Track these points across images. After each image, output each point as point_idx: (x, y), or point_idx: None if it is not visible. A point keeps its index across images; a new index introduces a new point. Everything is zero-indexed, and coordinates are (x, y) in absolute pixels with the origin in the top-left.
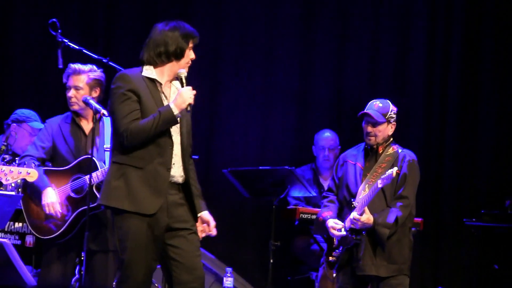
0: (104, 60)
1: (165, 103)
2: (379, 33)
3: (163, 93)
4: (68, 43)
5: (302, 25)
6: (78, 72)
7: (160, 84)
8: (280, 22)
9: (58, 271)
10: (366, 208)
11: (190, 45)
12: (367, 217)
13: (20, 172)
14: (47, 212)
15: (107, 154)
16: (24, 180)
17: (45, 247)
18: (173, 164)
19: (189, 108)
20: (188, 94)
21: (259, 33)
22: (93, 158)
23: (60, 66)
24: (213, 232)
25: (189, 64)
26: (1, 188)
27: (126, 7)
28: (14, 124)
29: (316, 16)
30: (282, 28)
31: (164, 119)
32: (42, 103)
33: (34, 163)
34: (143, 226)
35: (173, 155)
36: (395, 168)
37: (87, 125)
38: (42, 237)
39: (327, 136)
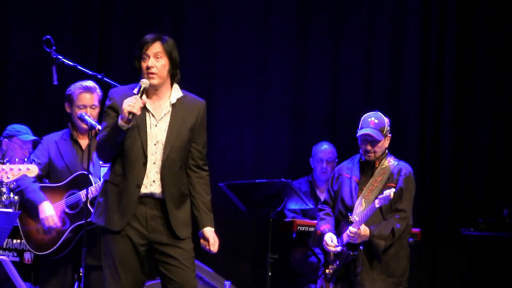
0: (98, 76)
1: (148, 119)
2: (372, 45)
3: (147, 109)
4: (63, 59)
5: (295, 38)
6: (92, 91)
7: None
8: (274, 36)
9: (56, 287)
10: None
11: (143, 54)
12: (364, 229)
13: (20, 169)
14: (46, 225)
15: (103, 170)
16: (20, 196)
17: (43, 263)
18: (153, 181)
19: (130, 117)
20: (126, 103)
21: (253, 47)
22: (88, 173)
23: (55, 83)
24: (212, 249)
25: (149, 73)
26: None
27: (119, 22)
28: (6, 139)
29: (310, 29)
30: (276, 41)
31: (112, 127)
32: (38, 119)
33: (32, 179)
34: (119, 240)
35: (150, 172)
36: (392, 190)
37: (85, 142)
38: (38, 253)
39: (325, 148)
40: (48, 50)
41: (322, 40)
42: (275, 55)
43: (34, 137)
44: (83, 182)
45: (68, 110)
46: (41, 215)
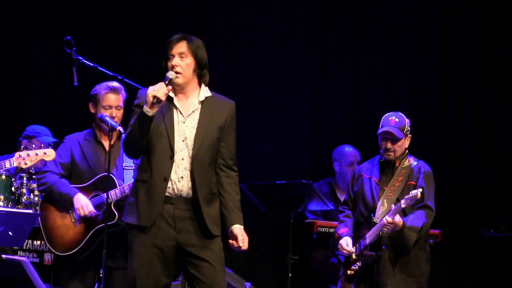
0: (119, 77)
1: (176, 115)
2: (393, 46)
3: (175, 106)
4: (83, 60)
5: (316, 38)
6: (118, 91)
7: (172, 98)
8: (295, 37)
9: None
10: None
11: (169, 54)
12: (399, 219)
13: (37, 154)
14: (82, 214)
15: (127, 172)
16: (48, 192)
17: (64, 265)
18: (181, 177)
19: (154, 100)
20: (151, 88)
21: (274, 49)
22: (112, 175)
23: (76, 84)
24: (242, 246)
25: (175, 70)
26: (19, 206)
27: (139, 24)
28: (25, 140)
29: (330, 31)
30: (297, 42)
31: (138, 116)
32: (58, 120)
33: (59, 176)
34: (146, 241)
35: (179, 168)
36: (420, 190)
37: (108, 143)
38: (60, 254)
39: (351, 151)
40: (68, 51)
41: (342, 42)
42: (296, 57)
43: (54, 139)
44: (107, 183)
45: (92, 110)
46: (77, 205)
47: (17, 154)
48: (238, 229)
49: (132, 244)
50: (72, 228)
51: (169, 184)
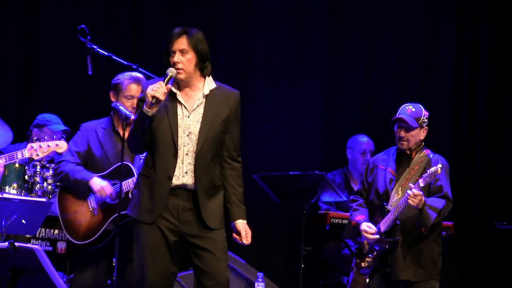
0: (133, 66)
1: (180, 110)
2: (407, 36)
3: (179, 101)
4: (98, 49)
5: (330, 29)
6: (141, 82)
7: (175, 93)
8: (308, 28)
9: (91, 277)
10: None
11: (170, 50)
12: (421, 193)
13: (49, 145)
14: (103, 196)
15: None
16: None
17: (79, 253)
18: (185, 172)
19: (153, 101)
20: (150, 88)
21: (287, 40)
22: (129, 164)
23: (90, 73)
24: (245, 242)
25: (175, 68)
26: (32, 194)
27: (154, 12)
28: (36, 129)
29: (344, 22)
30: (310, 34)
31: (139, 114)
32: (70, 108)
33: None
34: (150, 230)
35: (183, 163)
36: (439, 165)
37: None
38: (78, 242)
39: (366, 140)
40: (83, 39)
41: (356, 33)
42: (309, 47)
43: (65, 127)
44: (125, 172)
45: (113, 99)
46: (95, 188)
47: (29, 145)
48: (241, 225)
49: (138, 234)
50: (90, 216)
51: (173, 180)
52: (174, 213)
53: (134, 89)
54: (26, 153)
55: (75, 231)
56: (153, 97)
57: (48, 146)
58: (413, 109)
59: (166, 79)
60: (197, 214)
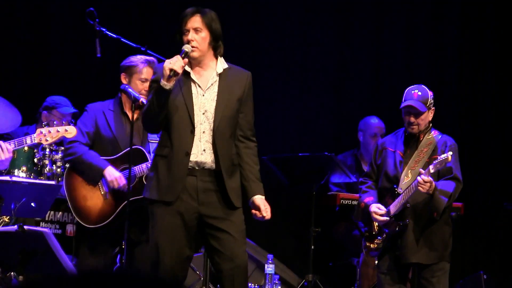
0: (142, 49)
1: (194, 89)
2: (414, 16)
3: (193, 80)
4: (106, 31)
5: (339, 11)
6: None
7: (189, 72)
8: (317, 8)
9: (97, 260)
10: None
11: (184, 29)
12: (431, 180)
13: (59, 131)
14: (116, 187)
15: (152, 145)
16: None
17: (88, 235)
18: (203, 150)
19: (171, 73)
20: (167, 61)
21: (295, 20)
22: (142, 149)
23: (99, 55)
24: (266, 216)
25: (190, 45)
26: (41, 177)
27: None
28: (45, 111)
29: (353, 4)
30: (319, 13)
31: (156, 90)
32: (79, 91)
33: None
34: (169, 213)
35: (200, 141)
36: (450, 153)
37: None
38: (89, 226)
39: (377, 122)
40: (91, 22)
41: (364, 13)
42: (318, 28)
43: (74, 110)
44: (138, 157)
45: (124, 81)
46: (109, 177)
47: (38, 130)
48: (260, 200)
49: (155, 216)
50: (102, 200)
51: (192, 157)
52: (193, 194)
53: (149, 72)
54: (35, 138)
55: (87, 215)
56: (171, 69)
57: (57, 131)
58: (419, 93)
59: (183, 54)
60: (217, 194)
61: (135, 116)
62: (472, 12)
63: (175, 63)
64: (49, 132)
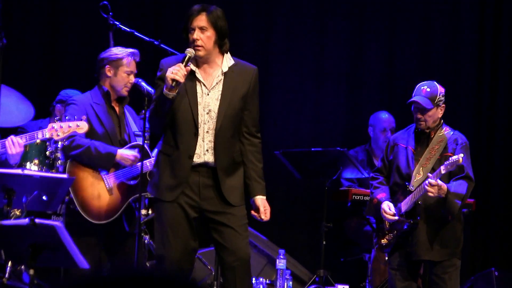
0: (155, 43)
1: (199, 88)
2: (430, 12)
3: (198, 79)
4: (120, 25)
5: (352, 5)
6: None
7: (194, 71)
8: (331, 4)
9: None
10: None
11: (189, 27)
12: (442, 183)
13: (70, 126)
14: (129, 164)
15: (138, 139)
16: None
17: (89, 230)
18: (206, 150)
19: (173, 84)
20: (170, 71)
21: (309, 15)
22: (146, 145)
23: None
24: (264, 218)
25: (195, 45)
26: (53, 170)
27: None
28: (58, 105)
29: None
30: (332, 9)
31: (158, 96)
32: (93, 85)
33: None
34: (172, 207)
35: (203, 141)
36: (461, 155)
37: (118, 108)
38: (96, 222)
39: (387, 117)
40: (105, 16)
41: (378, 8)
42: (332, 23)
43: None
44: (142, 154)
45: (109, 73)
46: (126, 157)
47: (49, 125)
48: (260, 200)
49: (159, 210)
50: (107, 196)
51: (195, 158)
52: (195, 189)
53: (133, 65)
54: (46, 133)
55: (93, 210)
56: (173, 80)
57: (69, 126)
58: (428, 89)
59: (185, 61)
60: (217, 190)
61: (117, 109)
62: (489, 8)
63: (178, 72)
64: (61, 127)
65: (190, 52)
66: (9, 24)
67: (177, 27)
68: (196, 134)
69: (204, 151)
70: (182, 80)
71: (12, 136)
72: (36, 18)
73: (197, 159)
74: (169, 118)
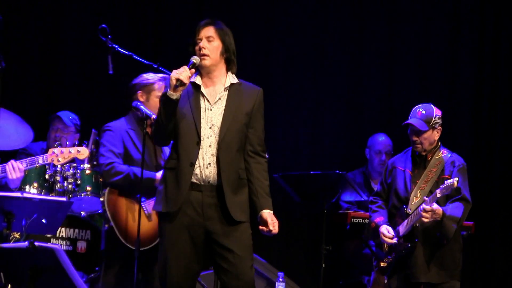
0: (154, 66)
1: (202, 103)
2: (428, 36)
3: (202, 93)
4: (118, 48)
5: (351, 28)
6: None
7: (199, 85)
8: (331, 26)
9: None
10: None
11: (197, 39)
12: (437, 207)
13: (71, 152)
14: None
15: None
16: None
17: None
18: (208, 164)
19: (177, 83)
20: (174, 71)
21: (309, 37)
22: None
23: (111, 72)
24: (273, 230)
25: (201, 54)
26: (52, 194)
27: (175, 11)
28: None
29: (366, 21)
30: (332, 31)
31: (163, 100)
32: (92, 109)
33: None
34: (176, 228)
35: (206, 155)
36: (456, 179)
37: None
38: (132, 248)
39: (383, 140)
40: (103, 39)
41: (377, 32)
42: (331, 45)
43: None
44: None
45: (141, 98)
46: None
47: (50, 150)
48: (267, 214)
49: (163, 231)
50: (146, 222)
51: (197, 170)
52: (198, 209)
53: None
54: (47, 158)
55: (134, 238)
56: (177, 79)
57: (70, 152)
58: (424, 112)
59: (190, 65)
60: (222, 209)
61: (144, 131)
62: (488, 32)
63: (182, 73)
64: (61, 152)
65: (196, 59)
66: (8, 47)
67: (176, 50)
68: (198, 143)
69: (206, 164)
70: (186, 81)
71: (12, 161)
72: (34, 41)
73: (198, 171)
74: (172, 129)
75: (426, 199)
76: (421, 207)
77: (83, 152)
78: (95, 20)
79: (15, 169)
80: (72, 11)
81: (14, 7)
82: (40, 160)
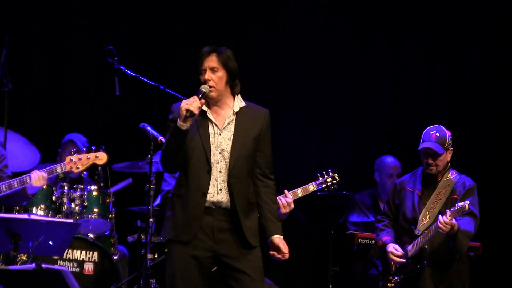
0: (161, 87)
1: (211, 128)
2: (434, 56)
3: (210, 119)
4: (125, 70)
5: (357, 48)
6: None
7: (205, 111)
8: (336, 46)
9: None
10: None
11: (201, 69)
12: (455, 222)
13: (89, 157)
14: None
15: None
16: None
17: None
18: (220, 190)
19: (187, 114)
20: (184, 102)
21: (315, 59)
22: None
23: (117, 93)
24: (284, 256)
25: (208, 84)
26: (59, 215)
27: (182, 32)
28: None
29: (371, 41)
30: (338, 53)
31: (172, 130)
32: (99, 130)
33: None
34: (185, 254)
35: (217, 181)
36: (467, 202)
37: None
38: None
39: (392, 161)
40: (110, 60)
41: (383, 52)
42: (337, 66)
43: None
44: None
45: None
46: None
47: (67, 158)
48: (278, 239)
49: (171, 254)
50: None
51: (208, 197)
52: (209, 233)
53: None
54: (65, 166)
55: None
56: (187, 110)
57: (88, 158)
58: (437, 134)
59: (200, 94)
60: (233, 234)
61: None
62: (496, 54)
63: (192, 103)
64: (80, 159)
65: (205, 88)
66: (15, 69)
67: (183, 72)
68: (209, 172)
69: (217, 190)
70: (196, 111)
71: (36, 170)
72: (41, 62)
73: (210, 198)
74: (181, 158)
75: (448, 211)
76: (440, 219)
77: (102, 157)
78: (102, 41)
79: (39, 177)
80: (79, 32)
81: (22, 29)
82: (59, 168)
